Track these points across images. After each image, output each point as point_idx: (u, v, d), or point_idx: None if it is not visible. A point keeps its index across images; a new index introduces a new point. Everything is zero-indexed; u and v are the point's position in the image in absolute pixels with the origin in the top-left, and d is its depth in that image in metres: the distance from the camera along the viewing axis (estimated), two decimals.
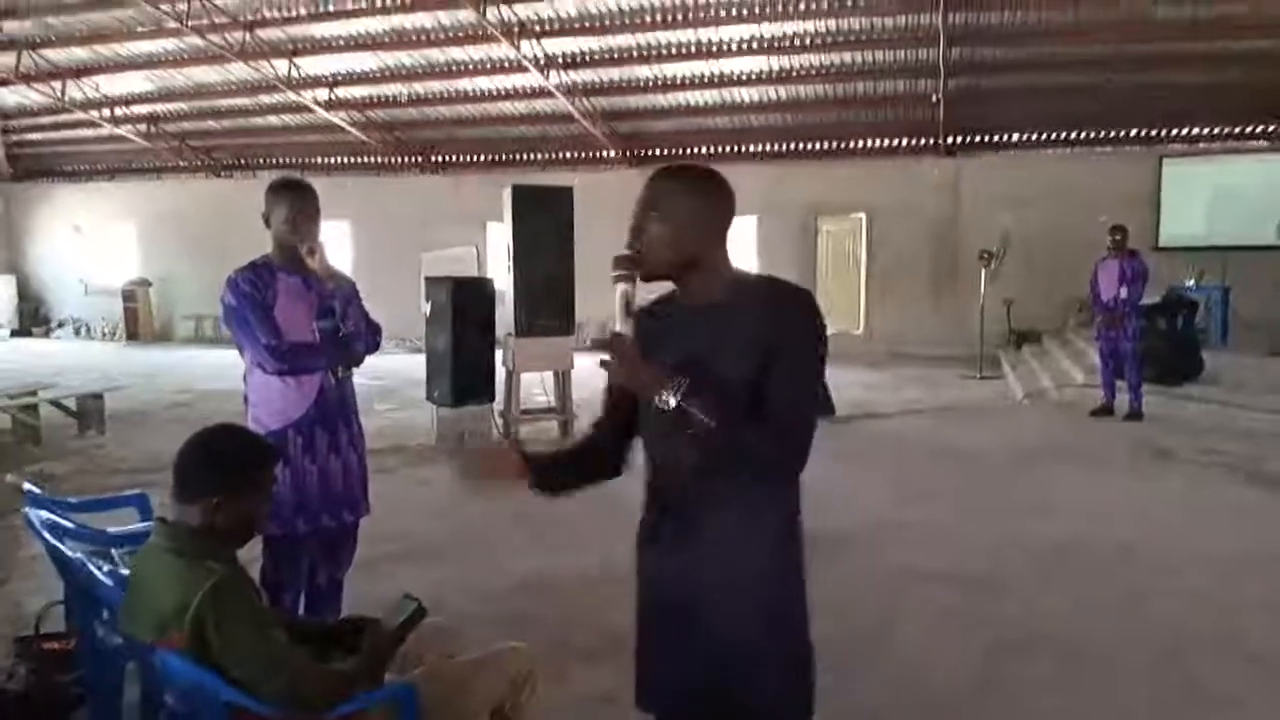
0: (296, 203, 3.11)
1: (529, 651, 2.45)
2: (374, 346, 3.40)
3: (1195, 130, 13.85)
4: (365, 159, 17.79)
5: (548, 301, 7.91)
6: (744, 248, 15.53)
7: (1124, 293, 8.81)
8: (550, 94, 14.22)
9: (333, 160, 18.09)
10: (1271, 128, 13.53)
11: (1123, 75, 12.45)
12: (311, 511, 3.13)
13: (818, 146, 15.31)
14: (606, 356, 1.71)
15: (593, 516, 5.91)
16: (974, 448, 7.91)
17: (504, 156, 17.14)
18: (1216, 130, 13.81)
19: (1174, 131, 13.88)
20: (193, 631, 1.92)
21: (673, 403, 1.63)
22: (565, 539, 5.26)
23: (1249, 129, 13.68)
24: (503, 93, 14.92)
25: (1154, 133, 13.91)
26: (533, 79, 13.80)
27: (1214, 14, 11.04)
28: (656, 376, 1.66)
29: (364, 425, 3.49)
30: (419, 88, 15.12)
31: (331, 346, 3.18)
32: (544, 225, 7.90)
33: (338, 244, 17.26)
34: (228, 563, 2.07)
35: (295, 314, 3.12)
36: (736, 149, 15.51)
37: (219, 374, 11.49)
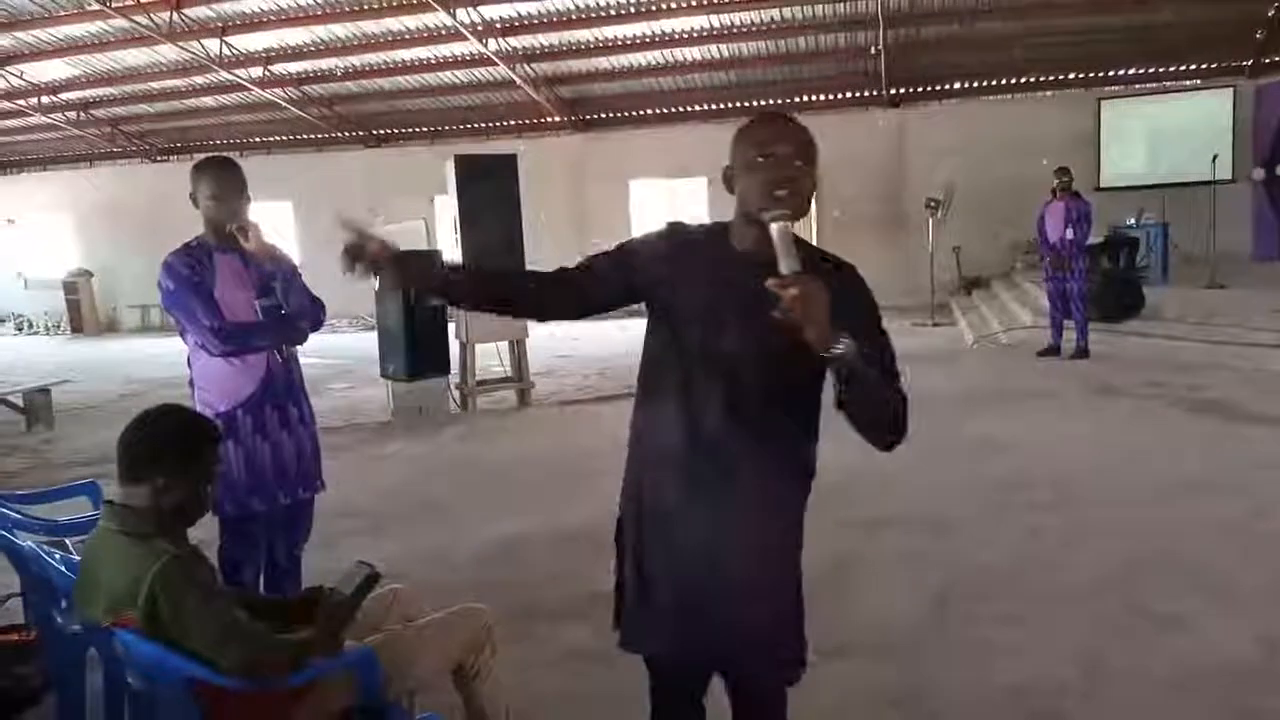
0: (219, 179, 3.08)
1: (488, 612, 2.48)
2: (318, 323, 3.38)
3: (1131, 71, 14.07)
4: (306, 136, 17.45)
5: None
6: (696, 209, 15.57)
7: (1070, 234, 8.98)
8: (490, 61, 14.03)
9: (273, 139, 17.74)
10: (1203, 66, 13.78)
11: (1059, 19, 12.59)
12: (267, 491, 3.13)
13: (763, 103, 15.29)
14: (792, 291, 1.55)
15: (559, 480, 6.03)
16: (926, 394, 8.01)
17: (449, 127, 16.93)
18: (1151, 70, 14.04)
19: (1110, 73, 14.08)
20: (146, 611, 1.93)
21: (841, 349, 1.59)
22: (532, 505, 5.32)
23: (1182, 68, 13.92)
24: (442, 62, 14.69)
25: (1091, 75, 14.10)
26: (471, 46, 13.60)
27: None
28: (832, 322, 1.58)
29: (319, 405, 3.49)
30: (356, 60, 14.83)
31: (275, 325, 3.16)
32: (489, 194, 7.84)
33: (281, 224, 16.99)
34: (177, 542, 2.07)
35: (236, 294, 3.09)
36: (682, 109, 15.46)
37: (168, 363, 11.31)
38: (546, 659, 3.43)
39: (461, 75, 15.06)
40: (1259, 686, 3.07)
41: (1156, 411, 6.98)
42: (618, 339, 12.80)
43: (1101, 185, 13.43)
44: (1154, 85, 14.17)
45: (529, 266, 8.11)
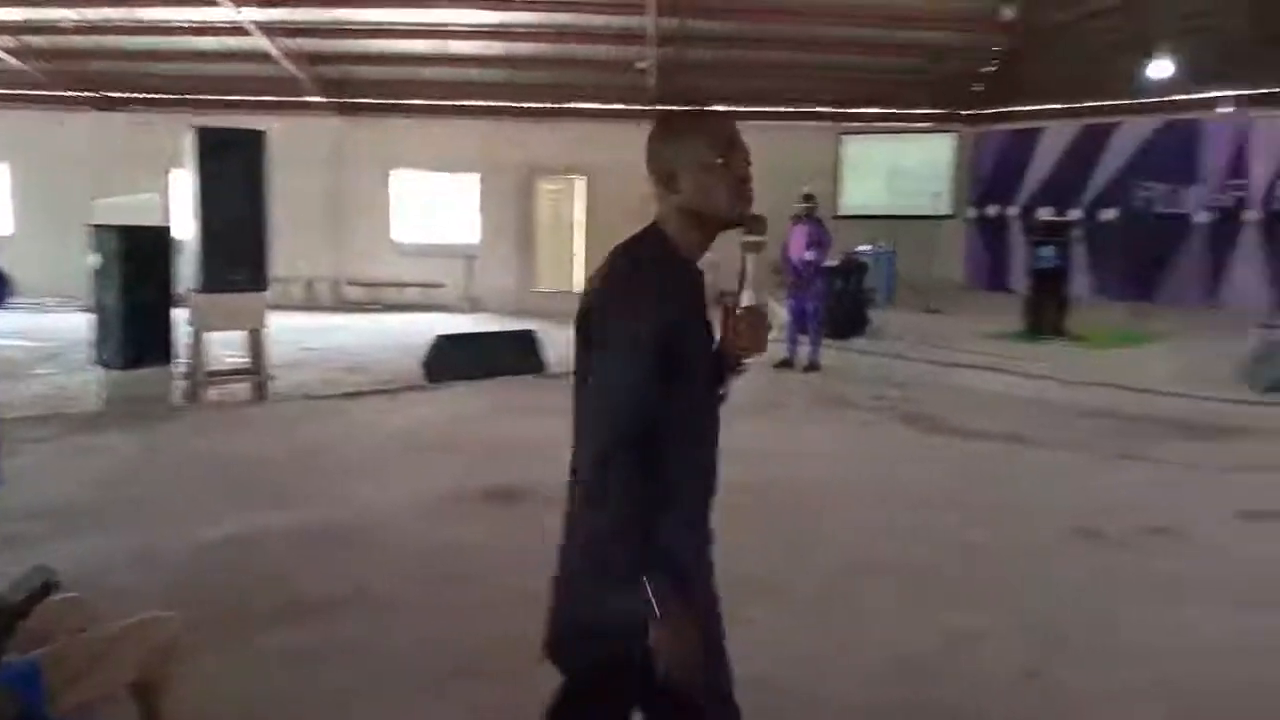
0: None
1: (175, 621, 2.29)
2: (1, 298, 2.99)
3: (869, 110, 15.39)
4: (27, 92, 15.50)
5: (237, 254, 7.34)
6: (467, 207, 15.35)
7: (810, 256, 9.65)
8: (244, 31, 13.12)
9: None
10: (931, 111, 15.32)
11: (811, 55, 13.57)
12: None
13: (537, 106, 15.33)
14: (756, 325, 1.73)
15: (292, 478, 5.70)
16: None
17: (194, 97, 15.60)
18: (887, 111, 15.42)
19: (851, 110, 15.33)
20: None
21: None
22: (259, 503, 4.99)
23: (913, 112, 15.41)
24: (191, 26, 13.55)
25: (835, 111, 15.28)
26: (224, 13, 12.64)
27: (891, 5, 12.29)
28: None
29: (18, 391, 3.09)
30: (90, 13, 13.35)
31: None
32: (233, 171, 7.32)
33: None
34: None
35: None
36: (453, 103, 15.18)
37: None
38: (256, 663, 3.23)
39: (213, 43, 13.95)
40: (934, 678, 3.43)
41: (875, 421, 7.65)
42: (368, 331, 12.36)
43: (840, 213, 14.56)
44: (888, 126, 15.56)
45: (271, 251, 7.77)
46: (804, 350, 9.77)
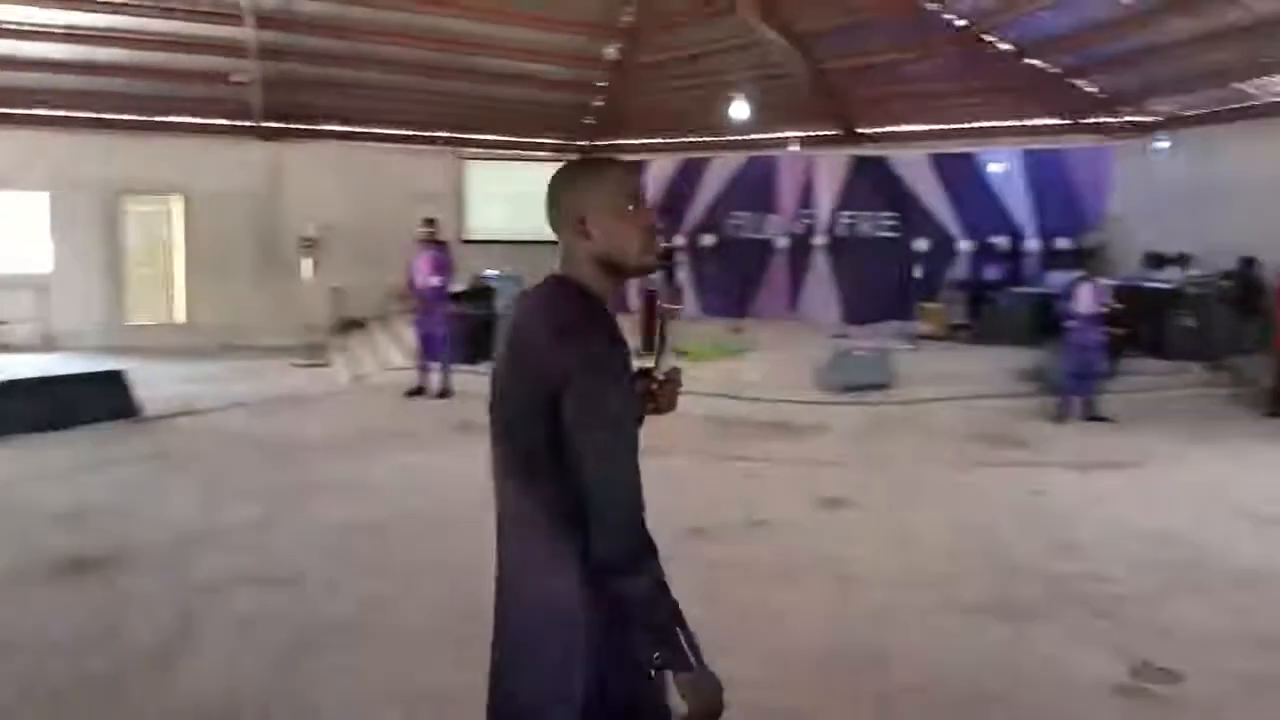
0: None
1: None
2: None
3: (491, 137, 15.66)
4: None
5: None
6: (37, 230, 13.20)
7: (435, 280, 9.56)
8: None
9: None
10: (549, 140, 15.95)
11: (430, 81, 13.49)
12: None
13: (125, 118, 13.64)
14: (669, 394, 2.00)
15: None
16: (296, 438, 7.85)
17: None
18: (507, 139, 15.80)
19: (474, 136, 15.49)
20: None
21: None
22: None
23: (533, 140, 15.93)
24: None
25: (458, 136, 15.35)
26: None
27: (503, 37, 12.59)
28: None
29: None
30: None
31: None
32: None
33: None
34: None
35: None
36: (24, 112, 13.04)
37: None
38: None
39: None
40: None
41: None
42: None
43: (466, 238, 14.64)
44: (510, 153, 15.94)
45: None
46: (435, 377, 9.65)
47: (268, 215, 14.13)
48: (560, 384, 1.61)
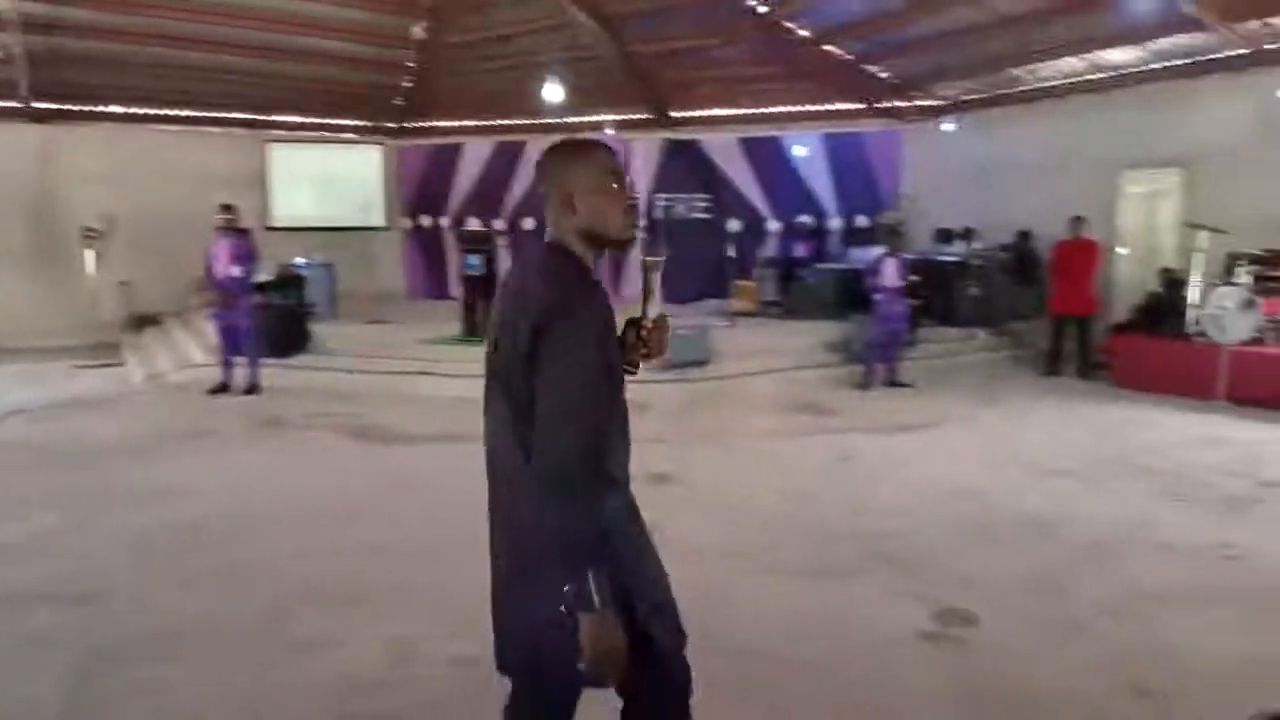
0: None
1: None
2: None
3: (295, 119, 14.86)
4: None
5: None
6: None
7: (236, 271, 8.99)
8: None
9: None
10: (358, 123, 15.33)
11: (227, 58, 12.63)
12: None
13: None
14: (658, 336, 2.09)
15: None
16: (91, 443, 7.23)
17: None
18: (314, 121, 15.05)
19: (277, 118, 14.65)
20: None
21: None
22: None
23: (341, 122, 15.26)
24: None
25: (259, 118, 14.47)
26: None
27: (294, 11, 11.93)
28: None
29: None
30: None
31: None
32: None
33: None
34: None
35: None
36: None
37: None
38: None
39: None
40: (370, 691, 3.39)
41: (320, 440, 7.40)
42: None
43: (271, 225, 13.87)
44: (315, 135, 15.19)
45: None
46: (241, 372, 9.12)
47: (43, 204, 12.87)
48: (540, 324, 1.78)
